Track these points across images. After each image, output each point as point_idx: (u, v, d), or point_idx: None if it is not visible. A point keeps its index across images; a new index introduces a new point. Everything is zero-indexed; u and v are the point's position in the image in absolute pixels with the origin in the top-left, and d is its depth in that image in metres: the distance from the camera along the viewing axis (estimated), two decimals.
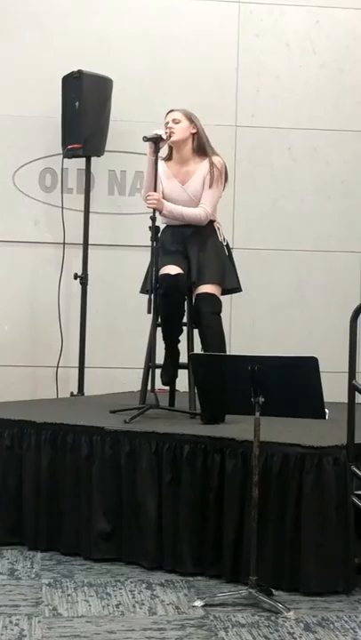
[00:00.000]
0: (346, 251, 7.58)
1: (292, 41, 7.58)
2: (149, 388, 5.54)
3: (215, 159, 5.68)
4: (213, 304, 5.61)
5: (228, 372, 4.45)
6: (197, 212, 5.65)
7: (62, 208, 7.16)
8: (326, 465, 4.52)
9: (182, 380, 5.81)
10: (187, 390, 5.74)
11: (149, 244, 5.50)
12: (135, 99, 7.28)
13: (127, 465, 4.97)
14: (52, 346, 7.18)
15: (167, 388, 5.86)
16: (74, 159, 7.16)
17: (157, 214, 5.58)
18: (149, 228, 5.51)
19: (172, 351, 5.72)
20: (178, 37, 7.44)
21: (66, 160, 7.17)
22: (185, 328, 5.74)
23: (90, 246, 7.16)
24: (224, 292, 5.75)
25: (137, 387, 5.93)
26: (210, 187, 5.64)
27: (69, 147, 7.06)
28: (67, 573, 4.80)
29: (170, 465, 4.86)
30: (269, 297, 7.47)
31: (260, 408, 4.31)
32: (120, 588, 4.57)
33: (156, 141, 5.54)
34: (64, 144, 7.11)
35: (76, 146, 7.03)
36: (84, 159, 7.14)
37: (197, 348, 5.64)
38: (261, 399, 4.30)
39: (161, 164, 5.67)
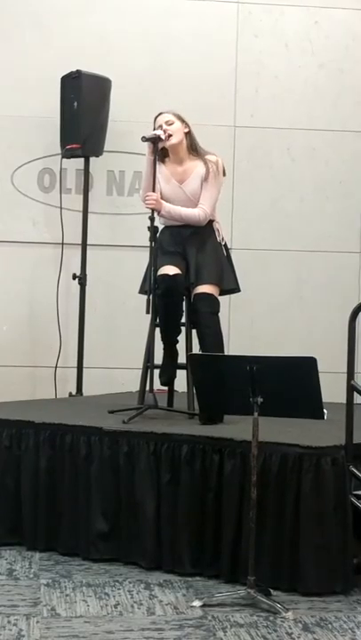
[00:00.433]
0: (345, 251, 7.58)
1: (291, 41, 7.58)
2: (148, 388, 5.54)
3: (211, 157, 5.68)
4: (211, 304, 5.61)
5: (227, 373, 4.45)
6: (196, 213, 5.65)
7: (61, 208, 7.16)
8: (325, 465, 4.52)
9: (181, 381, 5.81)
10: (185, 390, 5.74)
11: (148, 244, 5.50)
12: (134, 99, 7.28)
13: (126, 465, 4.97)
14: (51, 346, 7.18)
15: (166, 388, 5.86)
16: (72, 159, 7.16)
17: (156, 214, 5.58)
18: (148, 228, 5.51)
19: (170, 351, 5.72)
20: (177, 38, 7.44)
21: (64, 160, 7.17)
22: (183, 328, 5.73)
23: (88, 246, 7.16)
24: (222, 293, 5.75)
25: (135, 387, 5.93)
26: (208, 186, 5.63)
27: (68, 147, 7.06)
28: (65, 573, 4.79)
29: (168, 465, 4.85)
30: (268, 297, 7.48)
31: (259, 408, 4.31)
32: (118, 589, 4.57)
33: (154, 141, 5.55)
34: (63, 144, 7.11)
35: (74, 146, 7.03)
36: (83, 159, 7.14)
37: (196, 349, 5.64)
38: (260, 399, 4.30)
39: (159, 163, 5.67)
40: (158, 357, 5.67)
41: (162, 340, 5.70)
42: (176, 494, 4.82)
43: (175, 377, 5.83)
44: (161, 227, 5.70)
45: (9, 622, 4.08)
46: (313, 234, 7.58)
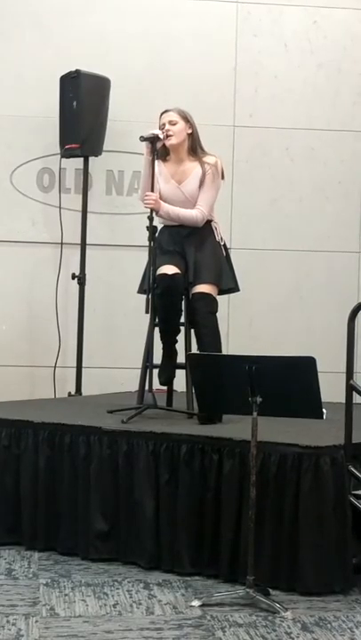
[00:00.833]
0: (344, 251, 7.59)
1: (290, 41, 7.59)
2: (147, 387, 5.54)
3: (210, 158, 5.67)
4: (209, 304, 5.61)
5: (226, 372, 4.45)
6: (194, 214, 5.65)
7: (60, 208, 7.16)
8: (324, 465, 4.52)
9: (180, 380, 5.81)
10: (184, 390, 5.74)
11: (147, 243, 5.51)
12: (133, 98, 7.28)
13: (125, 465, 4.97)
14: (50, 346, 7.18)
15: (165, 387, 5.86)
16: (72, 159, 7.16)
17: (154, 214, 5.57)
18: (147, 227, 5.51)
19: (169, 351, 5.72)
20: (176, 37, 7.44)
21: (64, 160, 7.17)
22: (182, 328, 5.73)
23: (87, 246, 7.17)
24: (221, 292, 5.75)
25: (135, 387, 5.93)
26: (205, 188, 5.63)
27: (67, 146, 7.06)
28: (64, 573, 4.79)
29: (167, 465, 4.85)
30: (267, 297, 7.48)
31: (258, 408, 4.31)
32: (117, 588, 4.57)
33: (152, 141, 5.54)
34: (62, 144, 7.11)
35: (73, 146, 7.03)
36: (82, 159, 7.14)
37: (195, 348, 5.64)
38: (259, 399, 4.30)
39: (158, 164, 5.67)
40: (157, 357, 5.67)
41: (161, 339, 5.70)
42: (175, 494, 4.82)
43: (174, 376, 5.82)
44: (160, 226, 5.71)
45: (8, 622, 4.08)
46: (312, 234, 7.58)
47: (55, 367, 7.18)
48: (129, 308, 6.98)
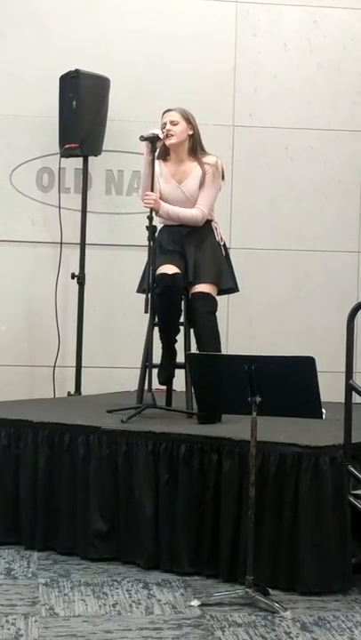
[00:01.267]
0: (343, 250, 7.59)
1: (289, 41, 7.59)
2: (146, 387, 5.54)
3: (210, 158, 5.67)
4: (209, 303, 5.61)
5: (225, 372, 4.45)
6: (194, 213, 5.65)
7: (59, 208, 7.16)
8: (323, 465, 4.52)
9: (179, 380, 5.80)
10: (184, 390, 5.73)
11: (147, 243, 5.50)
12: (133, 98, 7.28)
13: (124, 465, 4.97)
14: (50, 345, 7.18)
15: (164, 387, 5.86)
16: (71, 159, 7.16)
17: (154, 214, 5.57)
18: (147, 227, 5.51)
19: (169, 351, 5.72)
20: (175, 37, 7.44)
21: (63, 159, 7.17)
22: (182, 328, 5.73)
23: (87, 246, 7.16)
24: (221, 292, 5.75)
25: (134, 386, 5.93)
26: (206, 187, 5.63)
27: (67, 146, 7.06)
28: (63, 573, 4.79)
29: (167, 465, 4.86)
30: (267, 297, 7.48)
31: (257, 408, 4.31)
32: (117, 588, 4.57)
33: (152, 141, 5.54)
34: (61, 143, 7.11)
35: (73, 145, 7.03)
36: (82, 159, 7.14)
37: (194, 348, 5.64)
38: (258, 399, 4.30)
39: (158, 163, 5.67)
40: (157, 357, 5.67)
41: (160, 339, 5.70)
42: (174, 494, 4.82)
43: (174, 376, 5.83)
44: (160, 226, 5.70)
45: (7, 622, 4.08)
46: (312, 233, 7.58)
47: (55, 367, 7.18)
48: (128, 308, 6.98)
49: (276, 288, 7.54)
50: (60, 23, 7.32)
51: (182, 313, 5.70)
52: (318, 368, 4.28)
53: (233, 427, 4.98)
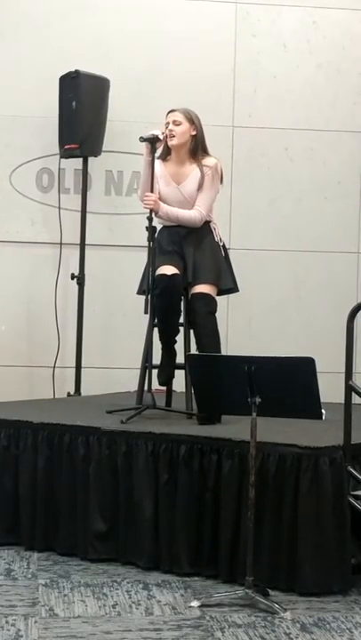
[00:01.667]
0: (343, 251, 7.59)
1: (289, 41, 7.59)
2: (146, 388, 5.54)
3: (210, 160, 5.67)
4: (208, 304, 5.61)
5: (225, 373, 4.45)
6: (192, 215, 5.65)
7: (59, 208, 7.16)
8: (323, 465, 4.52)
9: (179, 381, 5.81)
10: (183, 390, 5.73)
11: (146, 244, 5.51)
12: (132, 99, 7.28)
13: (124, 465, 4.97)
14: (49, 346, 7.18)
15: (164, 388, 5.86)
16: (71, 159, 7.16)
17: (153, 215, 5.57)
18: (146, 228, 5.51)
19: (168, 351, 5.72)
20: (175, 38, 7.44)
21: (63, 160, 7.17)
22: (182, 328, 5.73)
23: (87, 246, 7.16)
24: (220, 293, 5.75)
25: (134, 387, 5.93)
26: (204, 189, 5.63)
27: (66, 147, 7.06)
28: (63, 574, 4.79)
29: (166, 465, 4.86)
30: (266, 297, 7.48)
31: (257, 408, 4.31)
32: (116, 589, 4.57)
33: (152, 142, 5.54)
34: (61, 144, 7.11)
35: (73, 146, 7.03)
36: (81, 159, 7.14)
37: (194, 349, 5.64)
38: (258, 399, 4.30)
39: (158, 163, 5.67)
40: (157, 357, 5.67)
41: (160, 339, 5.71)
42: (174, 494, 4.82)
43: (173, 377, 5.83)
44: (159, 227, 5.71)
45: (7, 622, 4.08)
46: (311, 234, 7.58)
47: (54, 367, 7.18)
48: (128, 309, 6.98)
49: (276, 288, 7.54)
50: (59, 24, 7.32)
51: (182, 313, 5.70)
52: (318, 369, 4.28)
53: (233, 427, 4.98)
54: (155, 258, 5.52)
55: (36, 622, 4.10)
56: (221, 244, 5.77)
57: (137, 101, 7.26)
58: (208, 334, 5.61)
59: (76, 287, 7.13)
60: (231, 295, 6.01)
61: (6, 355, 7.19)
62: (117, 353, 7.25)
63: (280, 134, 7.54)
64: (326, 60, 7.61)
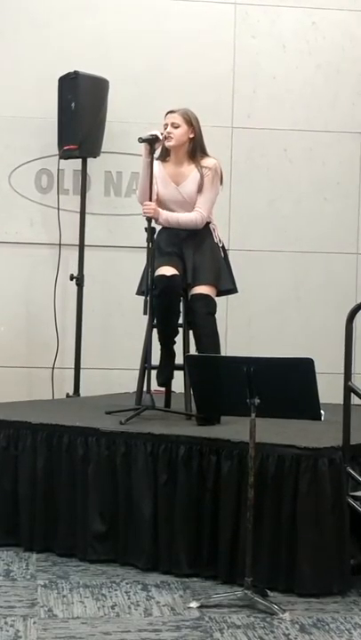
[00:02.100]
0: (342, 252, 7.59)
1: (288, 42, 7.59)
2: (145, 389, 5.54)
3: (210, 161, 5.66)
4: (208, 305, 5.61)
5: (224, 374, 4.45)
6: (192, 218, 5.65)
7: (58, 209, 7.16)
8: (322, 466, 4.52)
9: (178, 381, 5.81)
10: (183, 391, 5.73)
11: (145, 245, 5.50)
12: (131, 100, 7.28)
13: (123, 466, 4.97)
14: (48, 347, 7.18)
15: (163, 389, 5.86)
16: (70, 160, 7.16)
17: (154, 222, 5.57)
18: (145, 229, 5.51)
19: (167, 352, 5.71)
20: (174, 38, 7.44)
21: (62, 161, 7.17)
22: (181, 329, 5.73)
23: (86, 247, 7.16)
24: (220, 294, 5.75)
25: (133, 388, 5.93)
26: (205, 190, 5.63)
27: (65, 148, 7.06)
28: (62, 574, 4.79)
29: (165, 466, 4.85)
30: (266, 298, 7.48)
31: (256, 409, 4.31)
32: (115, 590, 4.57)
33: (151, 143, 5.53)
34: (60, 145, 7.11)
35: (72, 147, 7.03)
36: (80, 160, 7.14)
37: (193, 349, 5.63)
38: (257, 400, 4.30)
39: (157, 164, 5.67)
40: (156, 358, 5.66)
41: (159, 340, 5.70)
42: (173, 495, 4.82)
43: (172, 378, 5.82)
44: (158, 227, 5.70)
45: (6, 623, 4.08)
46: (310, 235, 7.58)
47: (53, 368, 7.18)
48: (127, 309, 6.98)
49: (275, 289, 7.54)
50: (59, 24, 7.32)
51: (181, 314, 5.70)
52: (317, 369, 4.28)
53: (232, 428, 4.98)
54: (154, 259, 5.52)
55: (34, 623, 4.10)
56: (221, 245, 5.77)
57: (136, 102, 7.26)
58: (207, 335, 5.61)
59: (75, 288, 7.13)
60: (231, 296, 6.01)
61: (5, 355, 7.19)
62: (116, 354, 7.25)
63: (279, 135, 7.54)
64: (326, 60, 7.61)
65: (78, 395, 7.08)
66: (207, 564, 4.74)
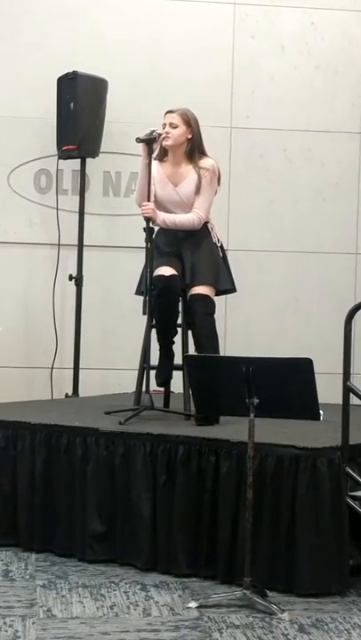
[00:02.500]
0: (341, 252, 7.59)
1: (287, 43, 7.59)
2: (144, 389, 5.54)
3: (207, 162, 5.65)
4: (207, 305, 5.61)
5: (223, 374, 4.45)
6: (191, 219, 5.64)
7: (57, 209, 7.16)
8: (321, 466, 4.52)
9: (177, 382, 5.81)
10: (181, 391, 5.73)
11: (144, 245, 5.50)
12: (130, 100, 7.28)
13: (122, 466, 4.97)
14: (47, 347, 7.18)
15: (162, 389, 5.86)
16: (69, 160, 7.16)
17: (151, 223, 5.56)
18: (144, 229, 5.51)
19: (166, 352, 5.71)
20: (173, 39, 7.44)
21: (61, 161, 7.17)
22: (180, 329, 5.73)
23: (85, 247, 7.16)
24: (218, 293, 5.75)
25: (132, 388, 5.92)
26: (203, 190, 5.62)
27: (64, 148, 7.06)
28: (61, 575, 4.79)
29: (164, 466, 4.85)
30: (265, 298, 7.48)
31: (255, 409, 4.31)
32: (114, 590, 4.57)
33: (149, 143, 5.53)
34: (59, 145, 7.11)
35: (70, 147, 7.03)
36: (79, 160, 7.14)
37: (192, 350, 5.63)
38: (256, 400, 4.30)
39: (155, 164, 5.67)
40: (155, 358, 5.66)
41: (158, 340, 5.70)
42: (172, 495, 4.82)
43: (171, 378, 5.82)
44: (157, 228, 5.70)
45: (5, 623, 4.08)
46: (309, 235, 7.58)
47: (52, 368, 7.18)
48: (126, 310, 6.98)
49: (274, 290, 7.54)
50: (57, 25, 7.32)
51: (180, 314, 5.70)
52: (316, 370, 4.28)
53: (231, 428, 4.98)
54: (152, 259, 5.52)
55: (33, 623, 4.10)
56: (219, 245, 5.76)
57: (135, 102, 7.26)
58: (206, 335, 5.61)
59: (74, 288, 7.13)
60: (230, 296, 6.02)
61: (4, 356, 7.19)
62: (115, 354, 7.25)
63: (278, 135, 7.54)
64: (325, 61, 7.61)
65: (77, 395, 7.08)
66: (206, 564, 4.74)
